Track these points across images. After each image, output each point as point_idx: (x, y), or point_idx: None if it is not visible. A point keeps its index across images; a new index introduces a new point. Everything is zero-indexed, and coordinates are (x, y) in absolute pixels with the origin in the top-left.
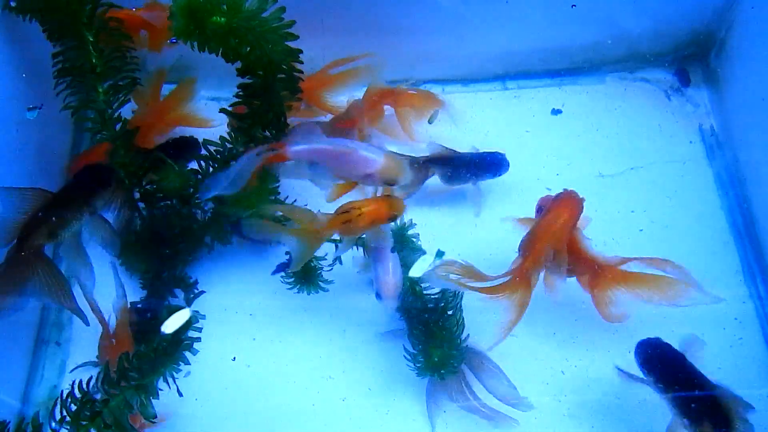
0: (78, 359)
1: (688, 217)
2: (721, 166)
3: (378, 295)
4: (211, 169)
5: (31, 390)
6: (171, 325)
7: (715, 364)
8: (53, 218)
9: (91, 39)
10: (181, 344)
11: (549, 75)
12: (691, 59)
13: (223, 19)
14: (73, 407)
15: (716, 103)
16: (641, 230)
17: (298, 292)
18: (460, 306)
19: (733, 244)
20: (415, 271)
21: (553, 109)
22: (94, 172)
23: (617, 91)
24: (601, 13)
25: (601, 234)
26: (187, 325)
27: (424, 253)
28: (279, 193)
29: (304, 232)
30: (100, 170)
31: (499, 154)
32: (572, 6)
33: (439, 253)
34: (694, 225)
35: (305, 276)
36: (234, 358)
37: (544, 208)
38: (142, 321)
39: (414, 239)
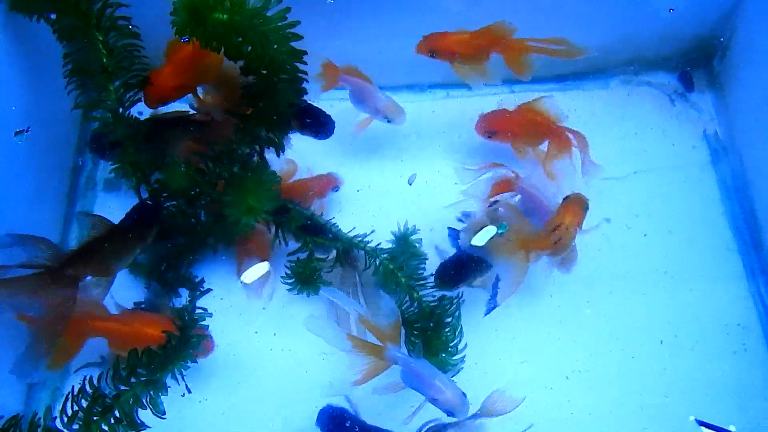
0: (81, 360)
1: (692, 222)
2: (725, 170)
3: (450, 414)
4: (218, 169)
5: (33, 392)
6: (250, 276)
7: (718, 371)
8: (106, 254)
9: (101, 38)
10: (189, 341)
11: (554, 79)
12: (695, 64)
13: (225, 16)
14: (84, 403)
15: (720, 107)
16: (645, 235)
17: (297, 294)
18: (459, 314)
19: (737, 249)
20: (478, 240)
21: None
22: (144, 210)
23: (621, 96)
24: (605, 18)
25: (604, 238)
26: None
27: (426, 259)
28: (279, 195)
29: (517, 251)
30: (149, 208)
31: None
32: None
33: (503, 226)
34: (698, 230)
35: (305, 278)
36: (183, 394)
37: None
38: None
39: (417, 244)
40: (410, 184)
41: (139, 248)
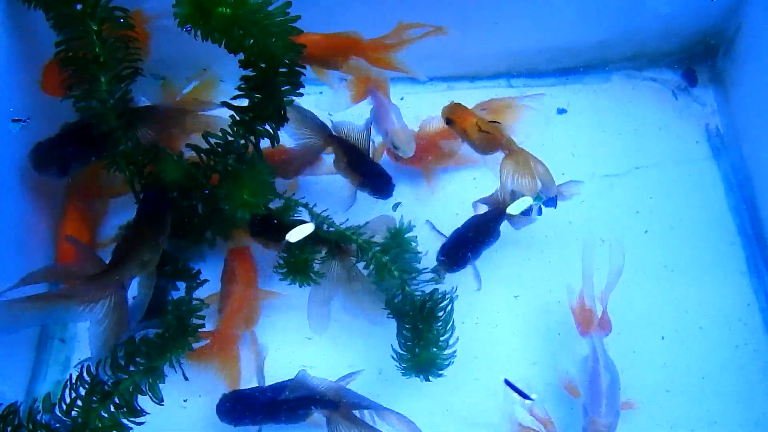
0: (83, 355)
1: (694, 218)
2: (727, 166)
3: (395, 147)
4: (212, 162)
5: (34, 386)
6: (295, 235)
7: (719, 366)
8: (143, 247)
9: (95, 28)
10: (187, 329)
11: (555, 74)
12: (698, 59)
13: (228, 10)
14: (82, 391)
15: (723, 103)
16: (646, 231)
17: (289, 285)
18: (451, 309)
19: (740, 244)
20: (513, 209)
21: (559, 108)
22: (154, 198)
23: (623, 91)
24: (608, 12)
25: (605, 234)
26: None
27: (420, 256)
28: (275, 188)
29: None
30: (158, 196)
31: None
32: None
33: (539, 198)
34: (700, 225)
35: (297, 268)
36: (185, 399)
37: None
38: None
39: (412, 242)
40: (394, 210)
41: (164, 237)
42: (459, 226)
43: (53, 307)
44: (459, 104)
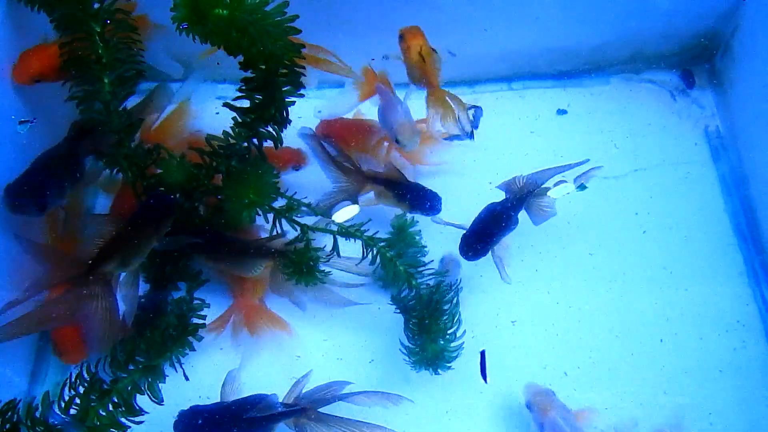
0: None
1: (692, 219)
2: (725, 167)
3: (397, 141)
4: (215, 163)
5: (34, 388)
6: (341, 216)
7: (717, 367)
8: (126, 246)
9: (98, 30)
10: (187, 329)
11: (554, 76)
12: (696, 61)
13: (225, 11)
14: (81, 389)
15: (721, 104)
16: (644, 232)
17: (296, 284)
18: (457, 301)
19: (737, 246)
20: (555, 193)
21: (559, 109)
22: (160, 200)
23: (622, 93)
24: (607, 15)
25: (603, 235)
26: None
27: (425, 251)
28: (279, 188)
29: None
30: (165, 199)
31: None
32: None
33: (582, 187)
34: (698, 227)
35: (302, 267)
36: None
37: None
38: (146, 314)
39: (417, 236)
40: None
41: (155, 240)
42: (477, 214)
43: (44, 322)
44: (417, 27)
